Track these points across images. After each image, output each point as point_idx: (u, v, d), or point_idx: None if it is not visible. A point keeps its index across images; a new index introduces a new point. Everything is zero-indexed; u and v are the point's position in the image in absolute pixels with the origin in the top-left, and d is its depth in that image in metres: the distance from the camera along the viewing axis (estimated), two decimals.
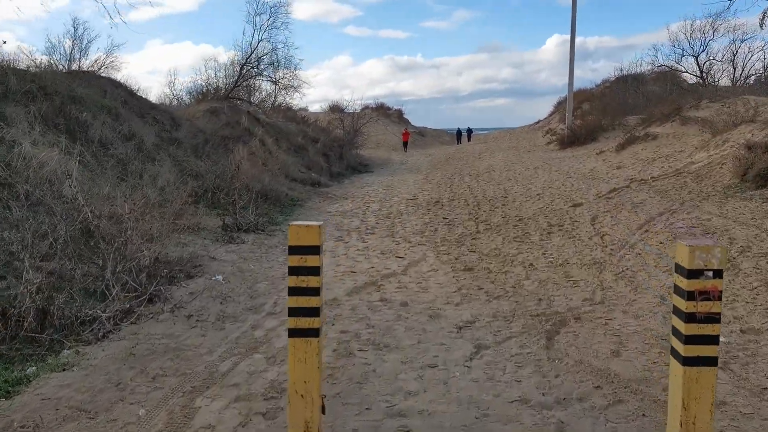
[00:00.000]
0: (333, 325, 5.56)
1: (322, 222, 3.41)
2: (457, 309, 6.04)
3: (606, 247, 8.35)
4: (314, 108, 48.69)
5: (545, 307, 5.97)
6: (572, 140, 25.93)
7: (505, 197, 13.96)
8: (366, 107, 54.27)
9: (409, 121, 58.08)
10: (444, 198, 14.73)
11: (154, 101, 18.70)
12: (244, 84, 32.58)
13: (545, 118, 51.66)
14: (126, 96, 12.78)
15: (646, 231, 9.00)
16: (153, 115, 12.96)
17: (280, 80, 32.83)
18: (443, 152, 36.00)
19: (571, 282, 6.86)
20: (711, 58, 34.38)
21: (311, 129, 26.79)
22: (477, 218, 11.52)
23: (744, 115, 15.69)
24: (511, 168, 20.73)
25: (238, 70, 29.78)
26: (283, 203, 13.34)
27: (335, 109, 46.32)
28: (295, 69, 35.19)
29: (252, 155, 16.66)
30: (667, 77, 37.08)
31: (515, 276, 7.26)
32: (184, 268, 7.16)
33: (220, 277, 6.94)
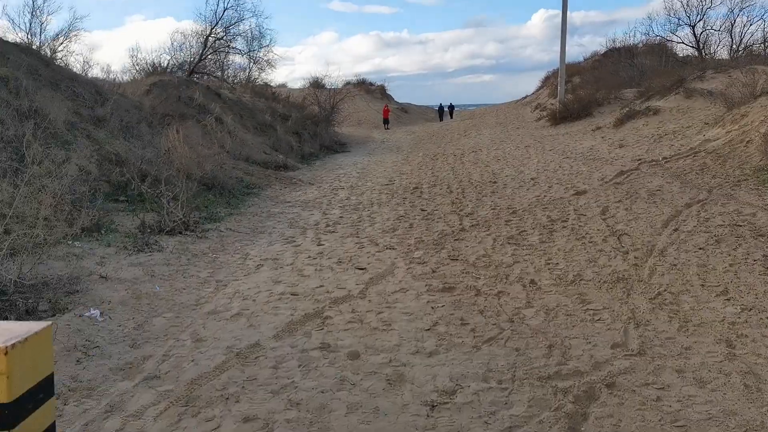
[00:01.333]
0: (237, 402, 3.59)
1: (48, 323, 1.39)
2: (431, 364, 4.09)
3: (627, 253, 6.42)
4: (297, 85, 46.28)
5: (560, 362, 4.03)
6: (565, 116, 23.95)
7: (494, 182, 11.99)
8: (348, 83, 51.93)
9: (392, 97, 55.71)
10: (424, 183, 12.74)
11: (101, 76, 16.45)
12: (214, 58, 30.24)
13: (532, 94, 49.56)
14: (37, 64, 10.55)
15: (675, 230, 7.08)
16: (72, 89, 10.73)
17: (252, 54, 30.61)
18: (427, 130, 33.91)
19: (591, 312, 4.92)
20: (709, 27, 32.40)
21: (282, 106, 24.54)
22: (461, 210, 9.55)
23: (764, 86, 13.77)
24: (500, 147, 18.74)
25: (203, 42, 27.44)
26: (234, 193, 11.26)
27: (316, 85, 43.74)
28: (269, 44, 32.95)
29: (205, 135, 14.54)
30: (660, 50, 35.22)
31: (512, 301, 5.31)
32: (54, 295, 5.14)
33: (96, 312, 4.91)
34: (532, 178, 12.00)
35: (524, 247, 7.05)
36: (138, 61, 21.15)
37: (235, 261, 6.99)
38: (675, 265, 5.89)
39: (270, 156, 16.94)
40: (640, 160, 12.42)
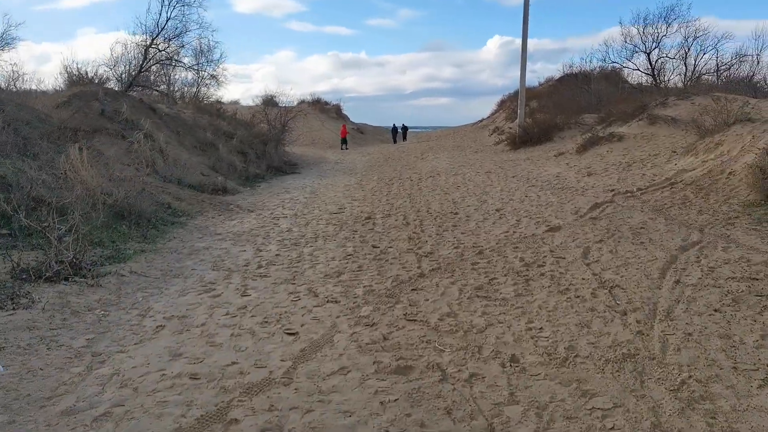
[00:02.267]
0: None
1: None
2: None
3: (626, 315, 5.15)
4: (252, 103, 44.37)
5: None
6: (525, 140, 23.13)
7: (456, 213, 10.71)
8: (302, 102, 50.56)
9: (348, 117, 54.58)
10: (377, 212, 11.35)
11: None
12: (159, 72, 28.32)
13: (488, 117, 49.34)
14: None
15: (677, 282, 5.87)
16: None
17: (200, 69, 28.86)
18: (382, 151, 32.72)
19: (598, 413, 3.58)
20: (664, 55, 32.47)
21: (227, 123, 22.87)
22: (420, 248, 8.18)
23: (738, 114, 13.02)
24: (459, 172, 17.58)
25: (143, 53, 25.57)
26: (155, 222, 9.61)
27: (268, 102, 41.85)
28: (220, 59, 31.26)
29: (130, 154, 12.83)
30: (614, 76, 35.28)
31: (489, 391, 3.92)
32: None
33: None
34: (497, 209, 10.78)
35: (497, 302, 5.70)
36: (68, 72, 19.18)
37: (129, 320, 5.40)
38: (690, 334, 4.63)
39: (208, 178, 15.28)
40: (612, 190, 11.37)
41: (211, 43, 36.46)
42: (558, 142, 21.79)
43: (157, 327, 5.23)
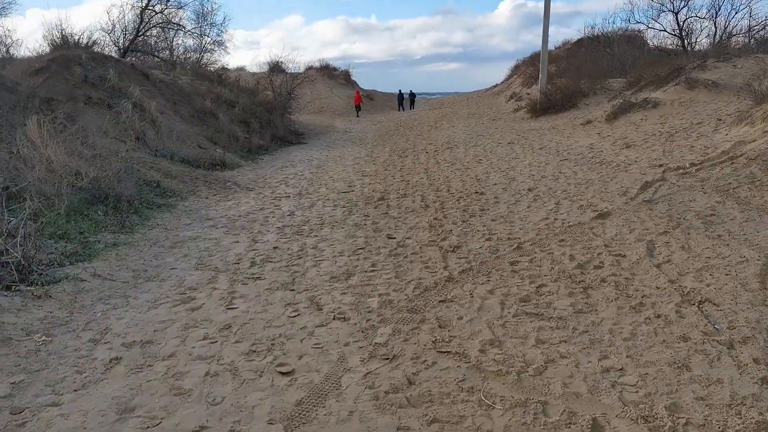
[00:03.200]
0: None
1: None
2: None
3: (734, 348, 3.84)
4: (257, 70, 42.54)
5: None
6: (546, 107, 21.51)
7: (481, 193, 9.36)
8: (310, 67, 48.79)
9: (357, 83, 52.75)
10: (391, 191, 10.03)
11: None
12: (160, 37, 26.81)
13: (502, 83, 47.34)
14: None
15: None
16: None
17: (202, 33, 27.30)
18: (393, 119, 31.14)
19: None
20: (693, 14, 30.42)
21: (229, 90, 21.40)
22: (444, 239, 6.87)
23: None
24: (479, 143, 16.13)
25: (139, 16, 24.04)
26: (138, 206, 8.35)
27: (274, 68, 40.04)
28: (224, 22, 29.54)
29: (117, 126, 11.52)
30: (635, 39, 33.36)
31: None
32: None
33: None
34: (529, 189, 9.41)
35: (552, 323, 4.40)
36: (51, 35, 17.72)
37: (77, 349, 4.17)
38: None
39: (205, 151, 13.96)
40: (661, 165, 9.95)
41: (213, 5, 34.59)
42: (583, 109, 20.18)
43: (110, 360, 3.99)
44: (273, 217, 8.55)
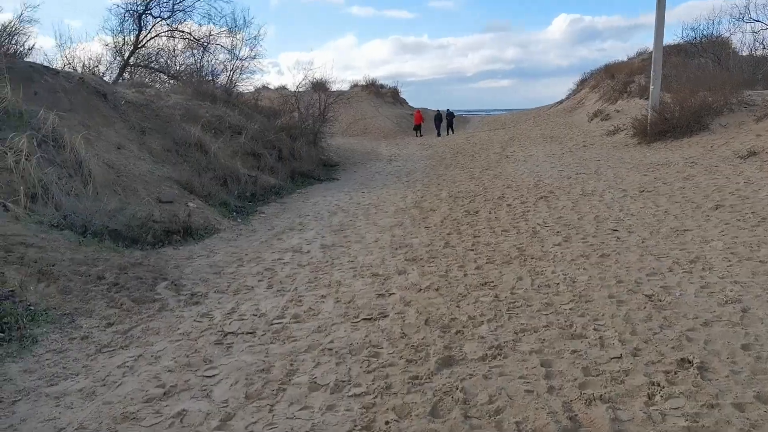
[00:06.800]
0: None
1: None
2: None
3: None
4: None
5: None
6: (662, 130, 15.74)
7: (687, 365, 3.88)
8: (355, 85, 44.17)
9: (406, 101, 47.82)
10: (462, 311, 4.75)
11: None
12: (168, 49, 22.31)
13: (568, 98, 41.50)
14: None
15: None
16: None
17: (232, 48, 22.46)
18: (446, 142, 25.75)
19: None
20: None
21: (237, 112, 16.56)
22: None
23: None
24: (586, 188, 10.57)
25: (137, 21, 19.62)
26: None
27: (318, 87, 34.83)
28: (255, 40, 24.77)
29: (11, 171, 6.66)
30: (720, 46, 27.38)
31: None
32: None
33: None
34: None
35: None
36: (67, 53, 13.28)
37: None
38: None
39: (168, 207, 8.97)
40: None
41: (246, 17, 30.07)
42: (719, 133, 14.36)
43: None
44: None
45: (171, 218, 8.57)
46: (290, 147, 17.40)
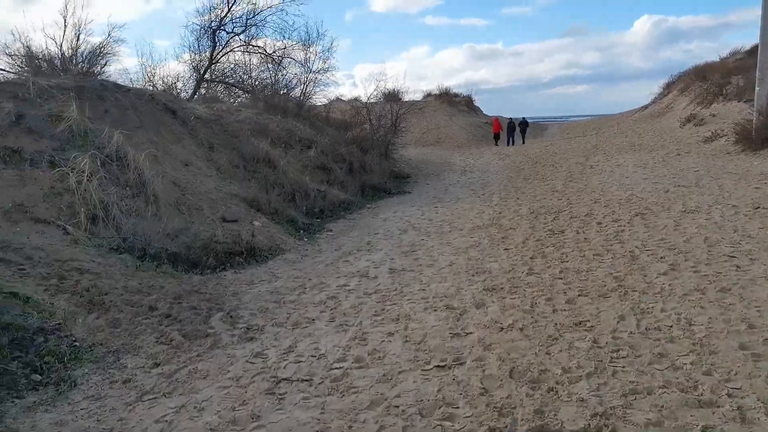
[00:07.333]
0: None
1: None
2: None
3: None
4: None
5: None
6: None
7: None
8: (428, 95, 43.54)
9: (480, 109, 46.75)
10: (554, 359, 3.93)
11: None
12: (242, 64, 22.31)
13: (654, 102, 38.97)
14: None
15: None
16: None
17: (305, 60, 22.13)
18: (523, 151, 24.56)
19: None
20: None
21: (308, 126, 16.27)
22: None
23: None
24: (688, 203, 9.36)
25: (211, 37, 19.86)
26: None
27: (391, 97, 34.25)
28: (330, 48, 24.35)
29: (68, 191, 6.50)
30: None
31: None
32: None
33: None
34: None
35: None
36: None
37: None
38: None
39: (232, 226, 8.61)
40: None
41: (319, 30, 29.91)
42: None
43: None
44: None
45: (234, 238, 8.20)
46: (361, 160, 16.95)
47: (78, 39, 14.52)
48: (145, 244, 6.99)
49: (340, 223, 11.35)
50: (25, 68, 11.71)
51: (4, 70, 12.35)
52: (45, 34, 18.72)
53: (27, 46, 13.34)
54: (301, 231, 10.01)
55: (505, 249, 7.97)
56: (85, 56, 15.24)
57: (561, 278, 6.36)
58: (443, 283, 6.62)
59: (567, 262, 7.00)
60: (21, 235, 6.31)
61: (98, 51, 15.62)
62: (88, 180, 7.20)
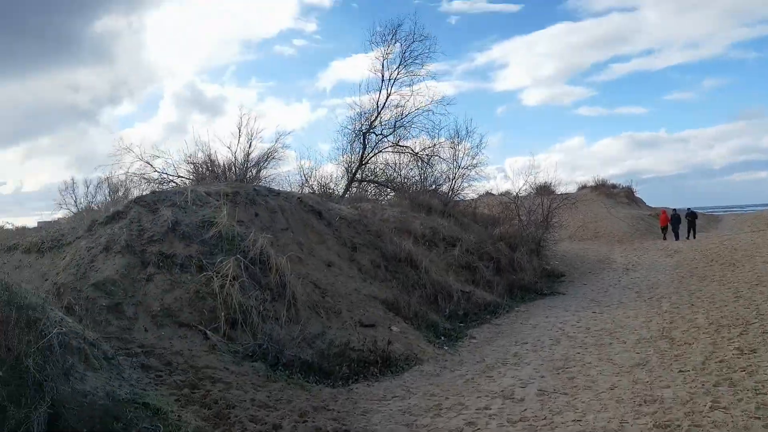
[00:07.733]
0: None
1: None
2: None
3: None
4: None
5: None
6: None
7: None
8: (583, 187, 41.81)
9: (643, 201, 43.72)
10: None
11: None
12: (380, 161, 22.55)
13: None
14: None
15: None
16: None
17: (454, 157, 22.13)
18: (697, 248, 21.91)
19: None
20: None
21: (453, 222, 15.97)
22: None
23: None
24: None
25: (362, 140, 20.78)
26: None
27: (542, 191, 32.88)
28: (479, 144, 24.07)
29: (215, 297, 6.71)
30: None
31: None
32: None
33: None
34: None
35: None
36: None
37: None
38: None
39: (368, 332, 8.28)
40: None
41: (469, 127, 30.26)
42: None
43: None
44: None
45: (370, 346, 7.82)
46: (509, 257, 16.15)
47: (250, 146, 15.86)
48: (278, 351, 6.82)
49: (485, 328, 10.57)
50: (190, 177, 12.85)
51: (179, 177, 13.74)
52: (222, 143, 20.94)
53: (208, 155, 14.81)
54: (442, 338, 9.41)
55: (680, 371, 6.69)
56: (254, 160, 16.62)
57: (758, 418, 5.04)
58: (603, 413, 5.58)
59: (765, 394, 5.60)
60: (164, 340, 6.46)
61: (266, 156, 16.97)
62: (230, 284, 7.33)
